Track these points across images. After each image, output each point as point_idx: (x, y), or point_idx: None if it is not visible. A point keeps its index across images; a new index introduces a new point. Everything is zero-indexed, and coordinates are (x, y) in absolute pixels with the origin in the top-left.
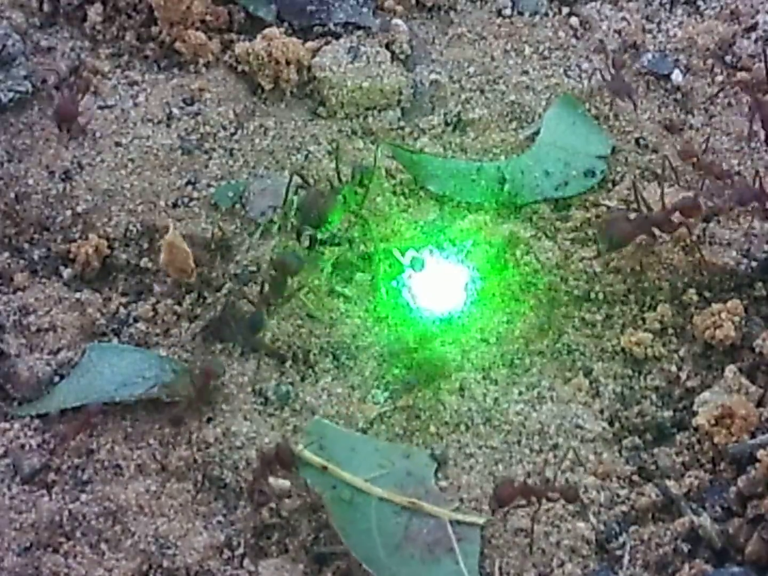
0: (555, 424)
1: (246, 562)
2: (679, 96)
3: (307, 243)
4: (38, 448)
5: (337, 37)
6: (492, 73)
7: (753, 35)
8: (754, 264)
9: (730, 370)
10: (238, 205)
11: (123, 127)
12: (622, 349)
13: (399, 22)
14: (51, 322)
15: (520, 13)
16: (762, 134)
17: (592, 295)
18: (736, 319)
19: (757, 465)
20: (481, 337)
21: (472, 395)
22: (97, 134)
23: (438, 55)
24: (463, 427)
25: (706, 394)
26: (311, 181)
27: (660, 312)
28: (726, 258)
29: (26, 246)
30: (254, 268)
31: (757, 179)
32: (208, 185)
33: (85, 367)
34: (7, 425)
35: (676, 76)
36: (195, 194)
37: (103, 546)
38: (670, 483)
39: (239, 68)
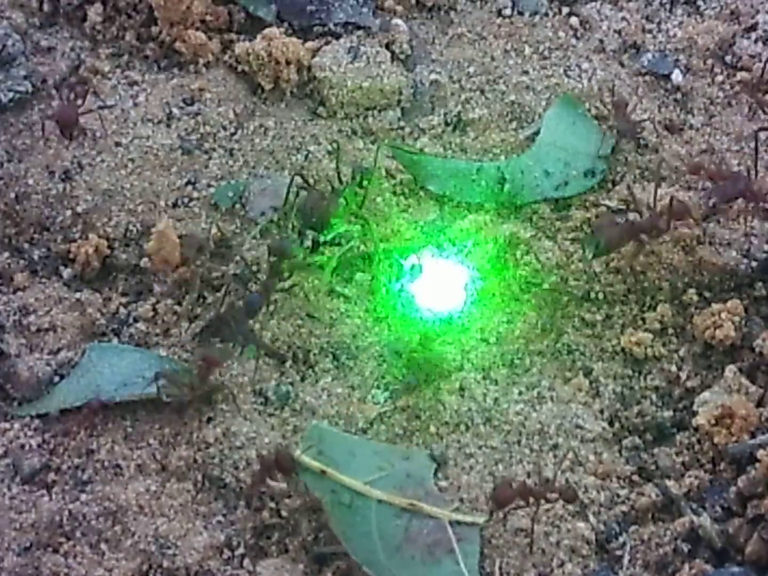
0: (555, 424)
1: (246, 562)
2: (679, 96)
3: (308, 245)
4: (38, 448)
5: (337, 37)
6: (492, 73)
7: (753, 35)
8: (754, 264)
9: (730, 370)
10: (238, 205)
11: (123, 127)
12: (622, 349)
13: (399, 22)
14: (51, 322)
15: (520, 13)
16: (762, 134)
17: (592, 295)
18: (736, 319)
19: (757, 465)
20: (481, 337)
21: (472, 395)
22: (97, 134)
23: (438, 55)
24: (463, 427)
25: (706, 394)
26: (311, 181)
27: (660, 312)
28: (726, 258)
29: (26, 246)
30: (254, 268)
31: (746, 177)
32: (208, 185)
33: (85, 367)
34: (7, 425)
35: (676, 76)
36: (195, 194)
37: (103, 546)
38: (670, 483)
39: (239, 68)
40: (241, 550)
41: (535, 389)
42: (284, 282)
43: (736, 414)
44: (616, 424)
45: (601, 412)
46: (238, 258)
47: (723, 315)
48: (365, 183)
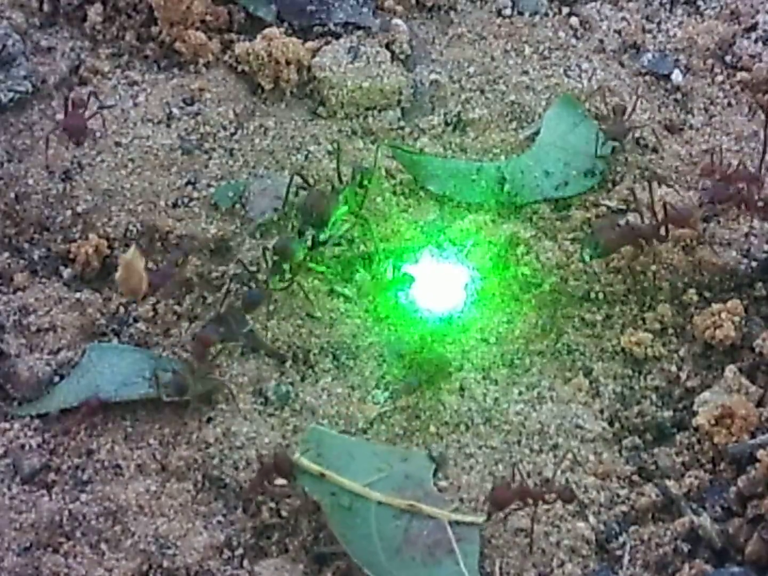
0: (555, 424)
1: (246, 562)
2: (679, 96)
3: (309, 243)
4: (38, 448)
5: (337, 37)
6: (492, 73)
7: (753, 35)
8: (754, 264)
9: (730, 370)
10: (238, 205)
11: (123, 127)
12: (622, 349)
13: (399, 22)
14: (51, 322)
15: (520, 13)
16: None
17: (592, 295)
18: (736, 319)
19: (757, 465)
20: (481, 337)
21: (472, 395)
22: (97, 134)
23: (438, 55)
24: (463, 427)
25: (706, 394)
26: (311, 181)
27: (660, 312)
28: (726, 258)
29: (26, 246)
30: (254, 268)
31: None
32: (208, 185)
33: (85, 368)
34: (7, 425)
35: (676, 76)
36: (195, 194)
37: (103, 546)
38: (670, 483)
39: (239, 68)
40: (241, 550)
41: (535, 389)
42: (285, 282)
43: (736, 414)
44: (616, 424)
45: (601, 412)
46: (238, 258)
47: (723, 315)
48: (365, 183)
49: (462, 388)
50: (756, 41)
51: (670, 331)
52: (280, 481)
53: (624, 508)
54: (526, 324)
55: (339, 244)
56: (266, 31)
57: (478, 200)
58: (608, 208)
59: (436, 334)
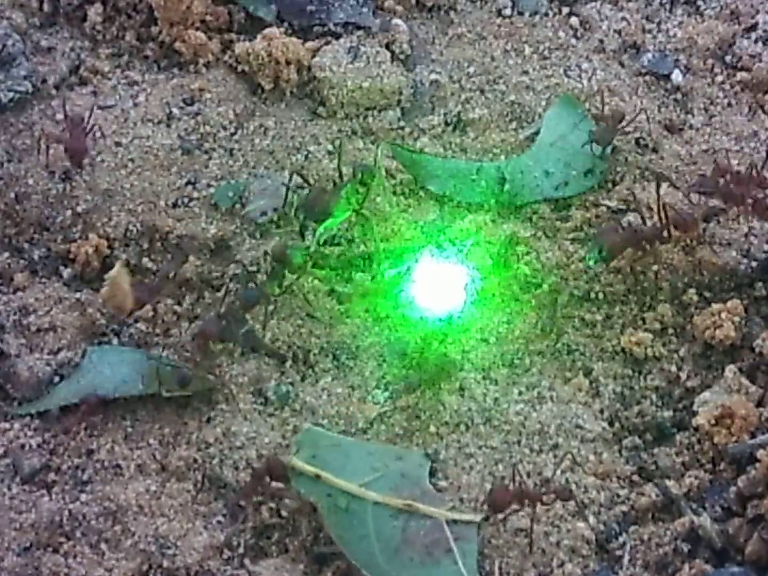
0: (555, 424)
1: (246, 562)
2: (679, 96)
3: (310, 239)
4: (38, 448)
5: (337, 37)
6: (492, 73)
7: (753, 35)
8: (754, 264)
9: (730, 370)
10: (238, 205)
11: (123, 127)
12: (622, 349)
13: (399, 22)
14: (51, 322)
15: (520, 13)
16: (762, 134)
17: (592, 295)
18: (736, 319)
19: (757, 465)
20: (481, 337)
21: (472, 395)
22: (97, 134)
23: (438, 55)
24: (463, 427)
25: (706, 394)
26: (311, 181)
27: (660, 312)
28: (726, 258)
29: (26, 246)
30: (254, 268)
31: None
32: (208, 185)
33: (86, 369)
34: (7, 425)
35: (676, 76)
36: (195, 194)
37: (103, 546)
38: (670, 483)
39: (239, 68)
40: (241, 550)
41: (535, 389)
42: (282, 288)
43: (736, 414)
44: (616, 424)
45: (601, 412)
46: (238, 258)
47: (723, 315)
48: (367, 181)
49: (462, 388)
50: (756, 41)
51: (670, 331)
52: (275, 483)
53: (624, 508)
54: (526, 324)
55: (339, 244)
56: (266, 31)
57: (478, 200)
58: (608, 208)
59: (436, 334)
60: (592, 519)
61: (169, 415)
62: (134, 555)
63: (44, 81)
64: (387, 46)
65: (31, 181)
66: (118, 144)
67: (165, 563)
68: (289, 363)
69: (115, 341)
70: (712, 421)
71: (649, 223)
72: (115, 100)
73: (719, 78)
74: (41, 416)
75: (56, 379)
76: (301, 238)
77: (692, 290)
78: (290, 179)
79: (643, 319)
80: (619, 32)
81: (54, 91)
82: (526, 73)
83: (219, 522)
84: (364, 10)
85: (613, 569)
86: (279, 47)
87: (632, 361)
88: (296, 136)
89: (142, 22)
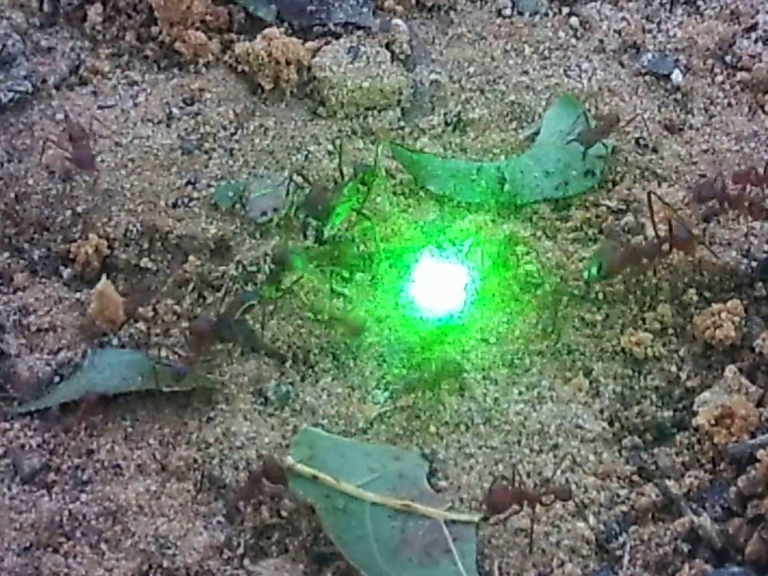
0: (555, 424)
1: (246, 562)
2: (679, 96)
3: (313, 237)
4: (38, 448)
5: (337, 37)
6: (492, 73)
7: (753, 35)
8: (754, 264)
9: (730, 370)
10: (238, 205)
11: (123, 127)
12: (622, 349)
13: (399, 22)
14: (51, 322)
15: (520, 13)
16: (762, 134)
17: (592, 295)
18: (736, 319)
19: (757, 465)
20: (481, 337)
21: (472, 395)
22: (97, 134)
23: (438, 55)
24: (463, 427)
25: (706, 394)
26: (311, 181)
27: (660, 312)
28: (726, 258)
29: (26, 246)
30: (254, 268)
31: (720, 177)
32: (208, 185)
33: (86, 369)
34: (7, 425)
35: (676, 76)
36: (195, 194)
37: (103, 546)
38: (670, 483)
39: (239, 68)
40: (241, 550)
41: (535, 389)
42: (280, 292)
43: (736, 414)
44: (616, 424)
45: (601, 412)
46: (238, 258)
47: (723, 315)
48: (369, 181)
49: (462, 388)
50: (756, 41)
51: (670, 331)
52: (273, 485)
53: (624, 508)
54: (526, 324)
55: (339, 244)
56: (266, 31)
57: (478, 200)
58: (608, 208)
59: (436, 334)
60: (592, 519)
61: (169, 415)
62: (134, 555)
63: (44, 81)
64: (387, 46)
65: (31, 181)
66: (118, 144)
67: (165, 563)
68: (289, 363)
69: (114, 341)
70: (712, 421)
71: (648, 226)
72: (115, 100)
73: (719, 78)
74: (41, 416)
75: (56, 379)
76: (303, 236)
77: (692, 290)
78: (290, 179)
79: (643, 319)
80: (619, 32)
81: (54, 91)
82: (526, 73)
83: (219, 522)
84: (364, 10)
85: (613, 569)
86: (279, 47)
87: (632, 361)
88: (296, 136)
89: (142, 22)
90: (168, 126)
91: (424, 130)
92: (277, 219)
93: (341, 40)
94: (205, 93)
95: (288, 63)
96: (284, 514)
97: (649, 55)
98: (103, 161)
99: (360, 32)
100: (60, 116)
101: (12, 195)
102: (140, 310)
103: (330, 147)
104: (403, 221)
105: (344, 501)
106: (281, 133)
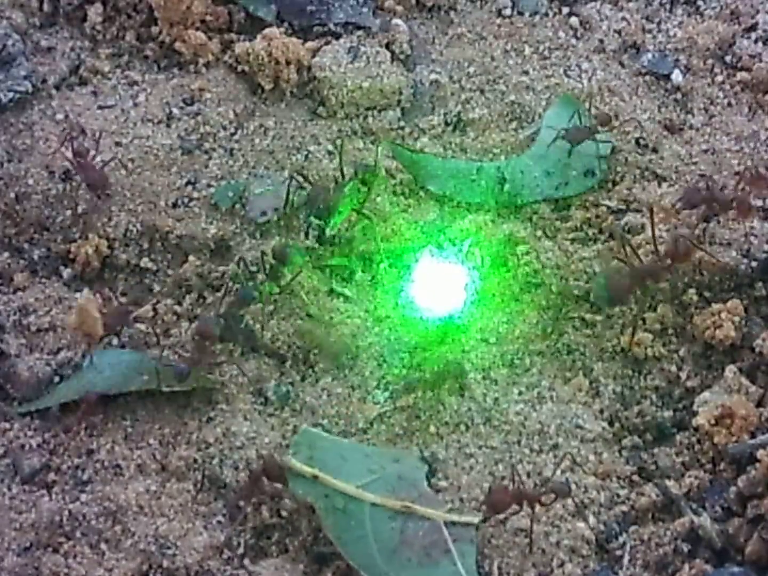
0: (555, 424)
1: (246, 562)
2: (679, 96)
3: (315, 236)
4: (38, 448)
5: (337, 37)
6: (492, 73)
7: (753, 35)
8: (754, 264)
9: (730, 370)
10: (238, 205)
11: (123, 127)
12: (622, 349)
13: (399, 22)
14: (51, 322)
15: (520, 13)
16: (762, 134)
17: (592, 295)
18: (736, 319)
19: (757, 465)
20: (481, 337)
21: (472, 395)
22: (97, 134)
23: (438, 55)
24: (463, 427)
25: (706, 394)
26: (311, 181)
27: (660, 312)
28: (726, 258)
29: (26, 246)
30: (254, 268)
31: (709, 182)
32: (208, 185)
33: (86, 369)
34: (7, 425)
35: (676, 76)
36: (195, 194)
37: (103, 546)
38: (670, 483)
39: (239, 68)
40: (241, 550)
41: (535, 389)
42: (281, 288)
43: (736, 414)
44: (616, 424)
45: (601, 412)
46: (239, 256)
47: (723, 315)
48: (370, 180)
49: (462, 388)
50: (756, 41)
51: (670, 331)
52: (273, 484)
53: (624, 508)
54: (526, 324)
55: (339, 244)
56: (266, 31)
57: (478, 200)
58: (608, 208)
59: (436, 334)
60: (592, 519)
61: (169, 415)
62: (134, 555)
63: (44, 81)
64: (387, 46)
65: (31, 181)
66: (118, 144)
67: (165, 563)
68: (289, 363)
69: (114, 341)
70: (712, 421)
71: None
72: (115, 100)
73: (719, 78)
74: (41, 416)
75: (56, 379)
76: (305, 236)
77: (692, 290)
78: (291, 179)
79: (643, 319)
80: (619, 32)
81: (54, 91)
82: (526, 73)
83: (219, 522)
84: (364, 10)
85: (613, 569)
86: (279, 47)
87: (632, 361)
88: (296, 136)
89: (142, 22)
90: (168, 126)
91: (424, 130)
92: (277, 219)
93: (341, 40)
94: (205, 93)
95: (288, 63)
96: (284, 514)
97: (649, 55)
98: (103, 161)
99: (360, 32)
100: (60, 116)
101: (12, 195)
102: (140, 310)
103: (330, 147)
104: (403, 221)
105: (344, 501)
106: (281, 133)
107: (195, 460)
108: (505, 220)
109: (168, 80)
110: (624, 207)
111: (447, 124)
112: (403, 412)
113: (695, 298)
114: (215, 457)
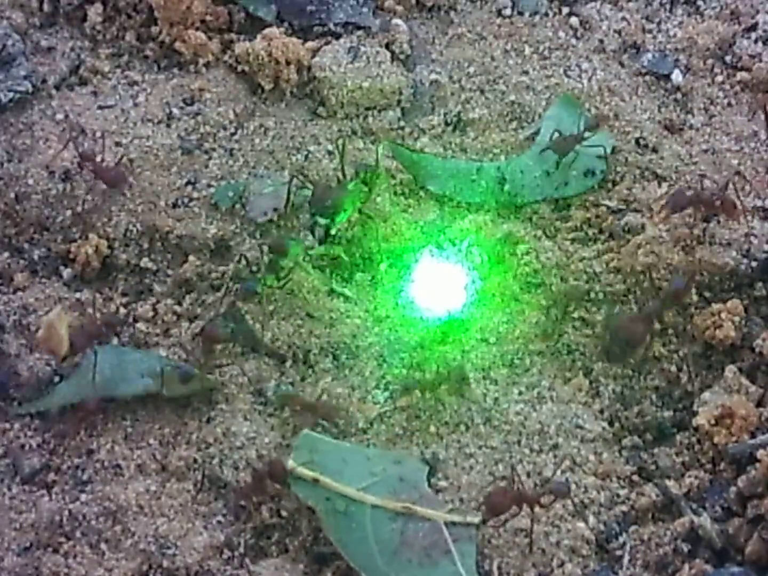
0: (555, 424)
1: (246, 562)
2: (679, 96)
3: (321, 235)
4: (38, 448)
5: (337, 37)
6: (492, 73)
7: (753, 35)
8: (754, 264)
9: (730, 370)
10: (238, 205)
11: (123, 127)
12: None
13: (399, 22)
14: None
15: (520, 13)
16: (762, 134)
17: (592, 295)
18: (736, 319)
19: (757, 465)
20: (481, 337)
21: (472, 395)
22: (97, 134)
23: (438, 55)
24: (463, 427)
25: (706, 394)
26: (314, 180)
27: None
28: (726, 258)
29: (26, 246)
30: (255, 268)
31: (698, 185)
32: (208, 185)
33: (87, 369)
34: (7, 425)
35: (676, 76)
36: (195, 194)
37: (103, 546)
38: (670, 483)
39: (239, 68)
40: (241, 550)
41: (535, 389)
42: (281, 280)
43: (736, 414)
44: (616, 424)
45: (601, 412)
46: (241, 253)
47: (723, 315)
48: (372, 180)
49: (462, 389)
50: (756, 41)
51: (670, 331)
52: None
53: (624, 508)
54: (526, 324)
55: (339, 244)
56: (266, 31)
57: (478, 200)
58: (608, 208)
59: (436, 334)
60: (592, 519)
61: (169, 415)
62: (134, 555)
63: (44, 81)
64: (387, 46)
65: (31, 181)
66: (118, 144)
67: (165, 563)
68: (289, 363)
69: (114, 341)
70: (712, 421)
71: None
72: (115, 100)
73: (719, 78)
74: (41, 416)
75: (56, 379)
76: (312, 234)
77: (692, 290)
78: (291, 179)
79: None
80: (619, 32)
81: (54, 91)
82: (526, 73)
83: (219, 522)
84: (364, 10)
85: (613, 569)
86: (279, 47)
87: (632, 361)
88: (296, 136)
89: (142, 22)
90: (168, 126)
91: (424, 130)
92: (277, 219)
93: (341, 40)
94: (205, 93)
95: (288, 63)
96: (284, 514)
97: (649, 55)
98: (103, 161)
99: (360, 32)
100: (60, 116)
101: (12, 195)
102: (140, 310)
103: (330, 147)
104: (403, 221)
105: (345, 504)
106: (281, 133)
107: (195, 460)
108: (505, 220)
109: (168, 80)
110: (624, 207)
111: (447, 124)
112: (403, 412)
113: (695, 298)
114: (215, 457)
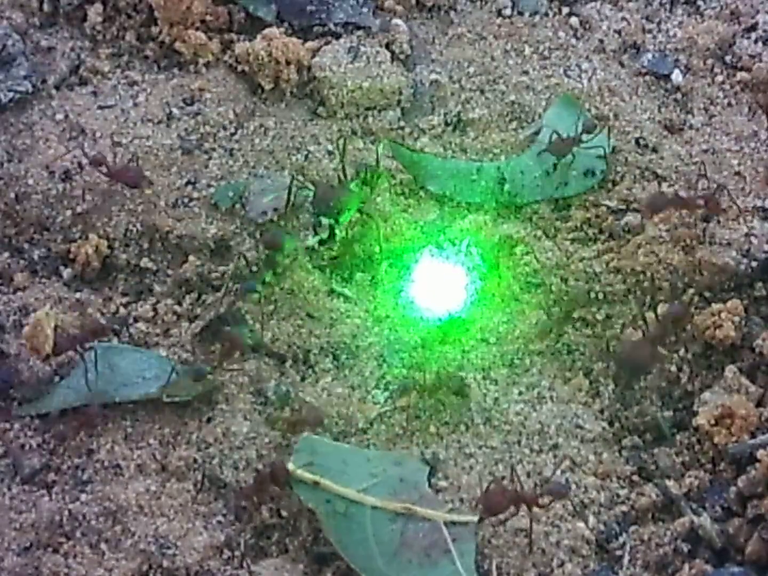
0: (555, 424)
1: (246, 562)
2: (679, 96)
3: (326, 235)
4: (38, 448)
5: (337, 37)
6: (492, 73)
7: (753, 35)
8: (754, 264)
9: (730, 370)
10: (238, 205)
11: (123, 127)
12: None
13: (399, 22)
14: None
15: (520, 13)
16: (762, 134)
17: (592, 295)
18: (736, 319)
19: (757, 465)
20: (481, 337)
21: (472, 395)
22: (97, 134)
23: (438, 55)
24: (463, 427)
25: (706, 394)
26: (316, 180)
27: (660, 312)
28: (726, 258)
29: (26, 246)
30: (254, 268)
31: (676, 185)
32: (208, 185)
33: (88, 370)
34: (7, 425)
35: (676, 76)
36: (195, 194)
37: (103, 546)
38: (670, 483)
39: (239, 68)
40: (241, 550)
41: (535, 389)
42: (278, 276)
43: (736, 414)
44: (616, 424)
45: (601, 412)
46: (241, 252)
47: (723, 315)
48: (373, 180)
49: (462, 392)
50: (756, 41)
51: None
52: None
53: (624, 508)
54: (526, 324)
55: (339, 244)
56: (266, 31)
57: (478, 200)
58: (608, 208)
59: (436, 334)
60: (592, 519)
61: (169, 415)
62: (134, 555)
63: (44, 81)
64: (387, 46)
65: (31, 181)
66: (118, 144)
67: (165, 563)
68: (289, 363)
69: (114, 341)
70: (712, 421)
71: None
72: (115, 100)
73: (719, 78)
74: (41, 416)
75: (56, 379)
76: (315, 233)
77: (692, 290)
78: (293, 180)
79: (644, 318)
80: (619, 32)
81: (54, 91)
82: (526, 73)
83: (219, 522)
84: (364, 10)
85: (613, 569)
86: (279, 47)
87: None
88: (296, 136)
89: (142, 22)
90: (168, 126)
91: (424, 130)
92: (277, 219)
93: (341, 40)
94: (205, 93)
95: (288, 63)
96: (284, 514)
97: (649, 55)
98: (115, 163)
99: (360, 32)
100: (60, 116)
101: (12, 195)
102: (140, 310)
103: (330, 147)
104: (403, 221)
105: (345, 505)
106: (281, 133)
107: (195, 460)
108: (505, 220)
109: (168, 80)
110: (624, 207)
111: (447, 124)
112: (403, 412)
113: (695, 298)
114: (215, 457)
